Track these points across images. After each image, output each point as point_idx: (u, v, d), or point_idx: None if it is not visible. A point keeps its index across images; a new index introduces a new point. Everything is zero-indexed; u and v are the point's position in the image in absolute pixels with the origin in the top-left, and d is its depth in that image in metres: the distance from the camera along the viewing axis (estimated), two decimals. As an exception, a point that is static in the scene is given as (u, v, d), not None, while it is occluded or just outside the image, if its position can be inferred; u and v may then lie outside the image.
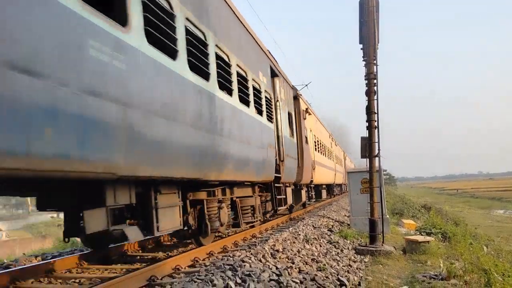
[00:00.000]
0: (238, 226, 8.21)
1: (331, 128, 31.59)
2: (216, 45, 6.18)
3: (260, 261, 5.71)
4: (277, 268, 5.45)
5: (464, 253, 8.34)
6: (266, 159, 8.68)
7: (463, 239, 10.94)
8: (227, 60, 6.61)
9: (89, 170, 3.34)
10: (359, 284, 5.92)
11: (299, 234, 8.59)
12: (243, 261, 5.41)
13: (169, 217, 5.21)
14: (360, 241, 9.49)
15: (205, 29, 5.71)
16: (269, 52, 10.48)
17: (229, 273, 4.78)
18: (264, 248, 6.45)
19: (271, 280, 4.91)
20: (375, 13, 8.84)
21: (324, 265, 6.41)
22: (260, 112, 8.58)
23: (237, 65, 7.17)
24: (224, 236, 8.02)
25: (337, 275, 6.03)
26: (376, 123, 8.88)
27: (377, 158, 8.95)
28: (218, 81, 6.17)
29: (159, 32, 4.41)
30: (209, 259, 6.39)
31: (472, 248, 9.57)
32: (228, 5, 7.07)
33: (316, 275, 5.60)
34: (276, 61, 11.27)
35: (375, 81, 8.89)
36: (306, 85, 27.31)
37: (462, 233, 12.47)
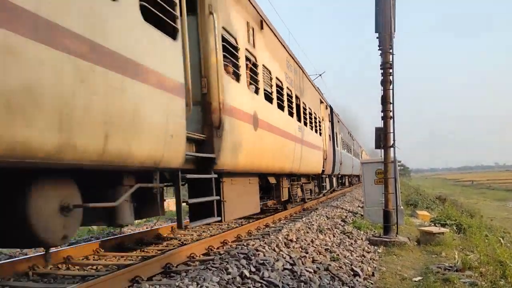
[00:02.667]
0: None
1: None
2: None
3: (274, 250, 5.74)
4: (290, 257, 5.48)
5: (479, 245, 8.26)
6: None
7: (478, 230, 10.83)
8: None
9: None
10: (373, 275, 5.92)
11: (313, 224, 8.59)
12: (257, 250, 5.44)
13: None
14: (374, 232, 9.46)
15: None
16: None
17: (244, 261, 4.82)
18: (277, 238, 6.47)
19: (285, 269, 4.94)
20: (392, 0, 8.68)
21: (338, 255, 6.42)
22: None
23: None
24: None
25: (351, 265, 6.03)
26: (391, 113, 8.78)
27: (391, 149, 8.87)
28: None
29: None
30: (223, 248, 6.46)
31: (487, 240, 9.47)
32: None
33: (329, 265, 5.62)
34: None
35: (390, 70, 8.76)
36: (320, 75, 27.10)
37: (477, 225, 12.34)
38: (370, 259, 6.87)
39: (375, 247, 7.97)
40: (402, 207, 10.66)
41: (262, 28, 7.87)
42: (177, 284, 3.86)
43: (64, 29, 2.88)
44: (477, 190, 58.29)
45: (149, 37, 4.03)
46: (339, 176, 22.03)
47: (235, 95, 6.16)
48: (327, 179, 17.30)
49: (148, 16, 4.00)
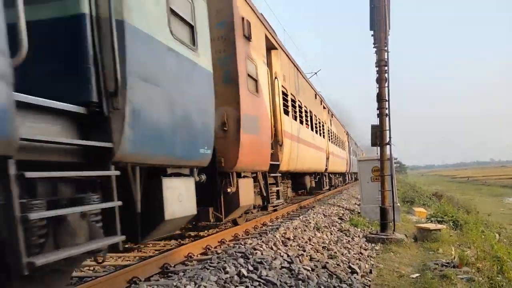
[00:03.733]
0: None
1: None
2: None
3: (272, 248, 5.74)
4: (288, 255, 5.49)
5: (476, 241, 8.30)
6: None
7: (475, 226, 10.86)
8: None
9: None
10: (370, 272, 5.93)
11: (310, 222, 8.60)
12: (255, 249, 5.45)
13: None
14: (371, 229, 9.48)
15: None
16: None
17: (241, 260, 4.82)
18: (275, 236, 6.48)
19: (282, 267, 4.95)
20: (386, -2, 8.69)
21: (335, 253, 6.43)
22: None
23: None
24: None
25: (348, 262, 6.05)
26: (387, 111, 8.79)
27: (388, 146, 8.89)
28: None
29: None
30: (221, 247, 6.45)
31: (484, 236, 9.51)
32: None
33: (327, 262, 5.63)
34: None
35: (386, 68, 8.77)
36: (316, 73, 27.22)
37: (474, 221, 12.38)
38: (368, 257, 6.89)
39: (373, 245, 7.99)
40: (398, 204, 10.69)
41: (333, 117, 21.36)
42: (174, 284, 3.86)
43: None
44: (473, 186, 58.41)
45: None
46: (351, 173, 34.62)
47: (332, 147, 19.73)
48: (347, 175, 30.97)
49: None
